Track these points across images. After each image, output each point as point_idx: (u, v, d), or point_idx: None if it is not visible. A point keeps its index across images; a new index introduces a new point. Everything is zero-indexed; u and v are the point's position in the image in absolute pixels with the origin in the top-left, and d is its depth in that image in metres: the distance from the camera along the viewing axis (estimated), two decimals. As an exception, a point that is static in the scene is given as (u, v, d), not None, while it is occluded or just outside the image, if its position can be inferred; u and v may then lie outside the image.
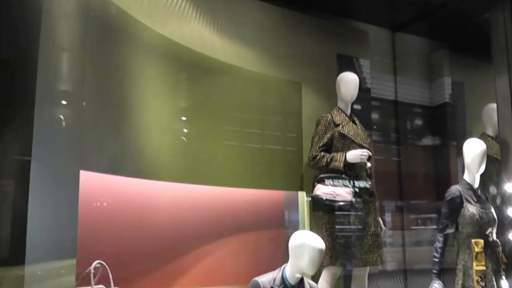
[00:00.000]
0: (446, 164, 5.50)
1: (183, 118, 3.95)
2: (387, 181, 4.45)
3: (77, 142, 3.03)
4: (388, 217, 4.38)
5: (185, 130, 3.92)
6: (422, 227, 5.56)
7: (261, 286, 3.56)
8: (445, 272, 4.07)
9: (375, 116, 5.30)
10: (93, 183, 3.39)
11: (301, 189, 4.51)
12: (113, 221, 3.64)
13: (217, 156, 4.06)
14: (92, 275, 3.21)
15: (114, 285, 3.34)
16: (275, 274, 3.64)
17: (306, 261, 3.54)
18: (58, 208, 2.92)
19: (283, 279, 3.62)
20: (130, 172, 3.52)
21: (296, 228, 4.40)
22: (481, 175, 4.09)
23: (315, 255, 3.54)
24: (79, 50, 3.13)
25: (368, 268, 4.36)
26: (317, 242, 3.58)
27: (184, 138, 3.89)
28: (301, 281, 3.68)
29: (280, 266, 3.80)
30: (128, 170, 3.50)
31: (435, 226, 5.42)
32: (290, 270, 3.63)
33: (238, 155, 4.20)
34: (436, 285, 4.00)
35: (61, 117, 2.97)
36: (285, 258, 4.38)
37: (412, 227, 5.47)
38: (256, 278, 3.62)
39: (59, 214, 2.92)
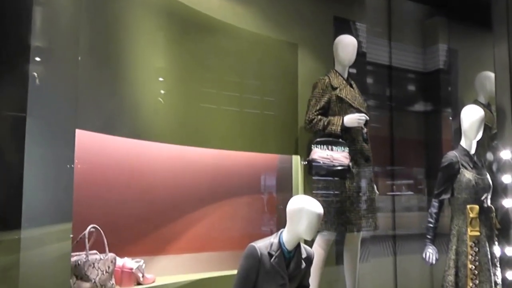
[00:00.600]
0: (438, 131, 5.48)
1: (179, 79, 3.82)
2: (378, 146, 4.41)
3: (72, 99, 2.90)
4: (378, 182, 4.34)
5: (180, 91, 3.80)
6: (411, 192, 5.56)
7: (258, 251, 3.51)
8: (438, 237, 4.07)
9: (369, 81, 5.24)
10: (88, 143, 3.29)
11: (296, 153, 4.45)
12: (107, 184, 3.55)
13: (211, 118, 3.97)
14: (86, 240, 3.13)
15: (109, 251, 3.28)
16: (272, 240, 3.58)
17: (304, 226, 3.49)
18: (54, 168, 2.80)
19: (280, 244, 3.57)
20: (127, 132, 3.41)
21: (289, 192, 4.35)
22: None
23: (314, 219, 3.49)
24: (74, 4, 2.98)
25: (361, 233, 4.35)
26: (316, 206, 3.53)
27: (173, 99, 3.77)
28: (297, 246, 3.64)
29: (274, 231, 3.78)
30: (124, 130, 3.39)
31: (425, 192, 5.45)
32: (287, 235, 3.57)
33: (233, 118, 4.11)
34: (430, 250, 4.03)
35: (56, 72, 2.84)
36: (279, 223, 4.36)
37: (402, 193, 5.47)
38: (253, 244, 3.55)
39: (55, 175, 2.81)
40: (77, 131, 2.93)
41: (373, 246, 5.06)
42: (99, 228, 3.23)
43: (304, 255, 3.67)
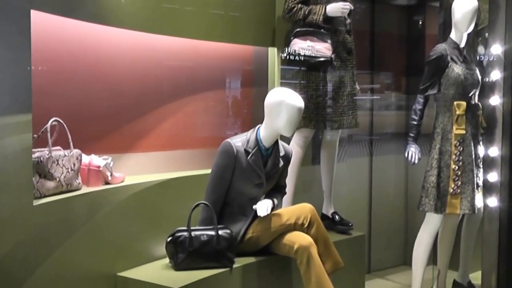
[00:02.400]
0: (422, 25, 5.22)
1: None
2: (357, 40, 4.11)
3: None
4: (356, 78, 4.10)
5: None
6: (390, 91, 5.36)
7: (234, 148, 3.31)
8: (420, 137, 3.90)
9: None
10: (47, 27, 2.95)
11: (273, 44, 4.12)
12: (69, 74, 3.21)
13: (182, 4, 3.59)
14: (48, 134, 2.85)
15: (73, 147, 3.00)
16: (249, 136, 3.38)
17: (284, 121, 3.28)
18: (8, 54, 2.48)
19: (257, 141, 3.37)
20: (88, 15, 3.04)
21: (265, 87, 4.08)
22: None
23: (294, 114, 3.28)
24: None
25: (340, 131, 4.16)
26: (296, 100, 3.31)
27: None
28: (275, 143, 3.44)
29: (249, 127, 3.55)
30: (85, 13, 3.02)
31: (404, 90, 5.27)
32: (265, 132, 3.37)
33: (205, 5, 3.74)
34: (412, 149, 3.85)
35: None
36: (254, 119, 4.13)
37: (380, 90, 5.26)
38: (228, 140, 3.35)
39: (9, 62, 2.50)
40: (33, 13, 2.59)
41: (350, 146, 4.90)
42: (62, 122, 2.93)
43: (282, 153, 3.48)
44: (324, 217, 4.10)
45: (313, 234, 3.38)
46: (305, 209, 3.44)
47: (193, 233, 3.18)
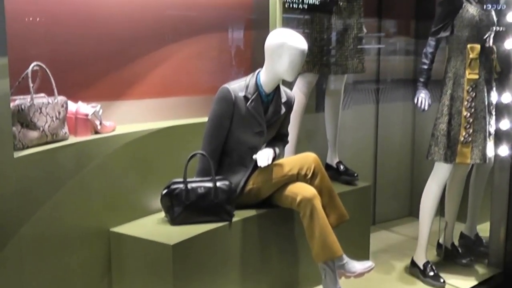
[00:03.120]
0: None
1: None
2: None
3: None
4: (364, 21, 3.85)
5: None
6: (398, 34, 5.08)
7: (232, 94, 3.09)
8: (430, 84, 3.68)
9: None
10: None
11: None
12: (51, 13, 2.95)
13: None
14: (30, 80, 2.63)
15: (58, 94, 2.78)
16: (248, 81, 3.16)
17: (286, 64, 3.06)
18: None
19: (257, 86, 3.16)
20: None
21: (266, 29, 3.81)
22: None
23: (297, 56, 3.06)
24: None
25: (345, 77, 3.93)
26: (300, 41, 3.08)
27: None
28: (277, 89, 3.23)
29: (248, 73, 3.31)
30: None
31: (412, 34, 5.01)
32: (265, 76, 3.15)
33: None
34: (422, 95, 3.63)
35: None
36: (254, 64, 3.88)
37: (388, 35, 4.99)
38: (226, 85, 3.14)
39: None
40: None
41: (355, 92, 4.67)
42: (45, 67, 2.70)
43: (283, 99, 3.27)
44: (328, 167, 3.91)
45: (317, 185, 3.21)
46: (309, 158, 3.25)
47: (189, 185, 3.00)
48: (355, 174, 3.91)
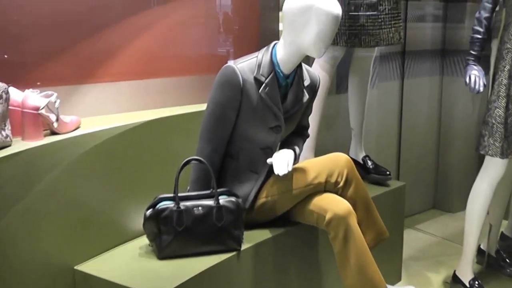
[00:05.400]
0: None
1: None
2: None
3: None
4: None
5: None
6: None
7: (240, 76, 2.33)
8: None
9: None
10: None
11: None
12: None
13: None
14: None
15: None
16: (260, 58, 2.40)
17: (313, 34, 2.31)
18: None
19: (272, 64, 2.40)
20: None
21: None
22: None
23: (328, 24, 2.33)
24: None
25: (376, 50, 3.22)
26: (332, 3, 2.31)
27: None
28: (298, 68, 2.45)
29: (255, 49, 2.51)
30: None
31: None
32: (284, 51, 2.38)
33: None
34: (475, 72, 2.95)
35: None
36: (263, 37, 3.12)
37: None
38: (231, 64, 2.37)
39: None
40: None
41: (380, 66, 3.93)
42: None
43: (306, 81, 2.51)
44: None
45: (350, 196, 2.50)
46: (340, 161, 2.52)
47: (182, 204, 2.21)
48: (388, 172, 3.19)
